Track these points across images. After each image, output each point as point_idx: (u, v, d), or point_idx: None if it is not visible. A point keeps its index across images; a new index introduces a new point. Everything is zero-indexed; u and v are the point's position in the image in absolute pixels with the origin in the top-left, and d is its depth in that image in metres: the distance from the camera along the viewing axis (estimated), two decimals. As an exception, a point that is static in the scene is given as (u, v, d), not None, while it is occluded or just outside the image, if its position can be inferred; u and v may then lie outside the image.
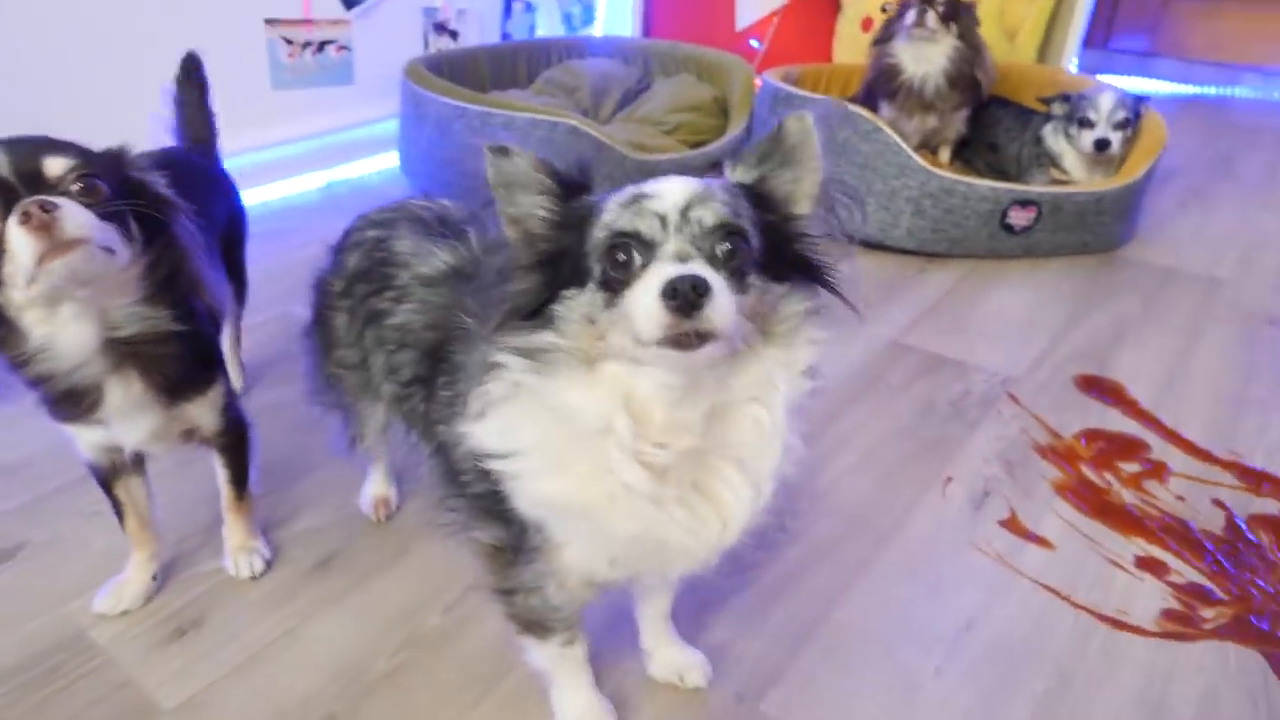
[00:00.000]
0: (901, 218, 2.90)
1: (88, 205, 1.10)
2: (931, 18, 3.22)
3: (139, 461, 1.44)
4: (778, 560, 1.64)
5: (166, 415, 1.32)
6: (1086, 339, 2.46)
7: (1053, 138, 3.21)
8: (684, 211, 0.91)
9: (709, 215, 0.91)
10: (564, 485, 1.02)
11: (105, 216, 1.12)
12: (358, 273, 1.39)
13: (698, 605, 1.53)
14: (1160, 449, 1.98)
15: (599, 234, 0.93)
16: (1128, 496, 1.82)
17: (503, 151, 0.97)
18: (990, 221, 2.87)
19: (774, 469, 1.03)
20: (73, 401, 1.24)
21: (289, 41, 3.25)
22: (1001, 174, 3.37)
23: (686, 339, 0.87)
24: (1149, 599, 1.57)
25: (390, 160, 3.57)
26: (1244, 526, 1.73)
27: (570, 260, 0.96)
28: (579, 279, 0.95)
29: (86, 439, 1.34)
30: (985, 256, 2.94)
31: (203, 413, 1.39)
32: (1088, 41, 4.42)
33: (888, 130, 2.88)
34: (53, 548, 1.64)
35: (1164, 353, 2.39)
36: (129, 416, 1.28)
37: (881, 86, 3.45)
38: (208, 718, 1.32)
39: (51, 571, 1.58)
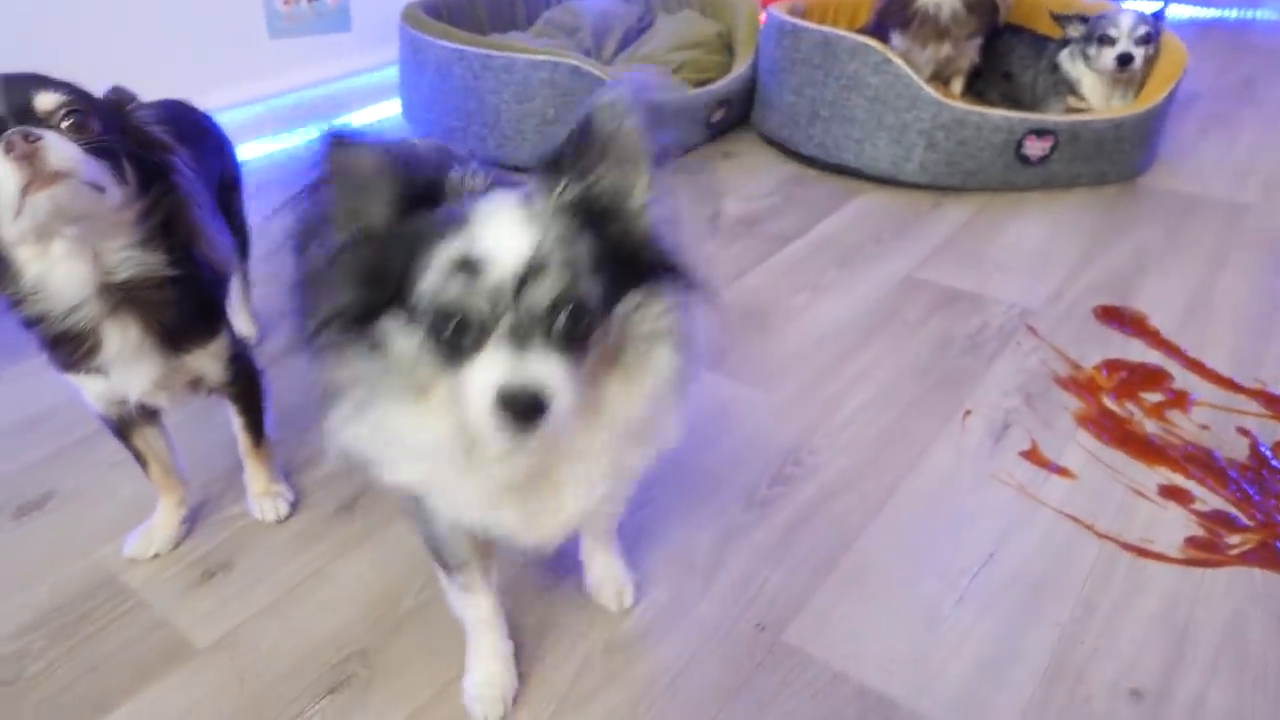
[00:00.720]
0: (914, 152, 2.86)
1: (78, 142, 1.09)
2: None
3: (151, 414, 1.43)
4: (796, 495, 1.65)
5: (168, 365, 1.31)
6: (1106, 270, 2.42)
7: (1070, 62, 3.14)
8: (517, 290, 0.82)
9: (546, 292, 0.83)
10: (417, 473, 1.01)
11: (97, 154, 1.11)
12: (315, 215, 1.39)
13: (716, 538, 1.54)
14: (1183, 378, 1.96)
15: (425, 296, 0.84)
16: (1150, 426, 1.81)
17: (343, 143, 0.86)
18: (1005, 153, 2.82)
19: (606, 473, 1.02)
20: (70, 347, 1.24)
21: (287, -13, 3.19)
22: (1016, 104, 3.30)
23: (514, 431, 0.83)
24: (1173, 527, 1.57)
25: (392, 108, 3.52)
26: (1269, 453, 1.72)
27: (396, 285, 0.87)
28: (408, 312, 0.87)
29: (91, 390, 1.34)
30: (1001, 189, 2.90)
31: (207, 363, 1.38)
32: (1104, -34, 4.29)
33: (898, 62, 2.82)
34: (80, 496, 1.65)
35: (1186, 282, 2.36)
36: (128, 365, 1.27)
37: (894, 15, 3.36)
38: (242, 654, 1.35)
39: (80, 519, 1.60)
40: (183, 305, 1.29)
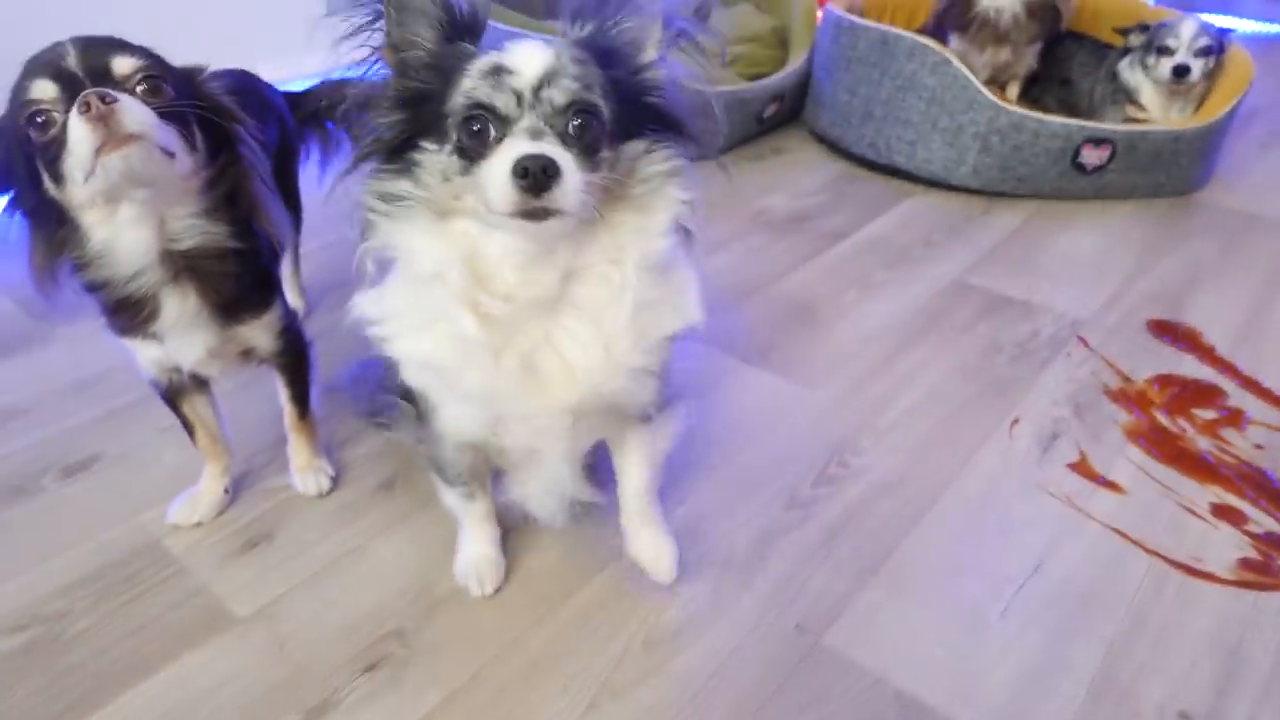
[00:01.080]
0: (968, 155, 2.81)
1: (152, 106, 1.10)
2: None
3: (201, 382, 1.45)
4: (839, 496, 1.62)
5: (222, 334, 1.33)
6: (1160, 283, 2.37)
7: (1129, 71, 3.07)
8: (537, 90, 0.95)
9: (560, 95, 0.95)
10: (423, 343, 1.09)
11: (169, 120, 1.12)
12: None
13: (758, 536, 1.53)
14: (1237, 396, 1.92)
15: (459, 99, 0.96)
16: (1203, 443, 1.77)
17: None
18: (1061, 160, 2.77)
19: (623, 324, 1.06)
20: (130, 312, 1.25)
21: (344, -36, 3.19)
22: (1073, 111, 3.24)
23: (535, 213, 0.93)
24: (1225, 547, 1.53)
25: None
26: (1325, 477, 1.68)
27: (433, 108, 0.98)
28: (438, 134, 0.99)
29: (146, 355, 1.35)
30: (1053, 197, 2.85)
31: (259, 334, 1.39)
32: (1167, -25, 4.20)
33: (957, 63, 2.78)
34: (126, 460, 1.67)
35: (1241, 300, 2.31)
36: (184, 332, 1.29)
37: (953, 18, 3.31)
38: (281, 626, 1.35)
39: (125, 483, 1.62)
40: (240, 276, 1.29)
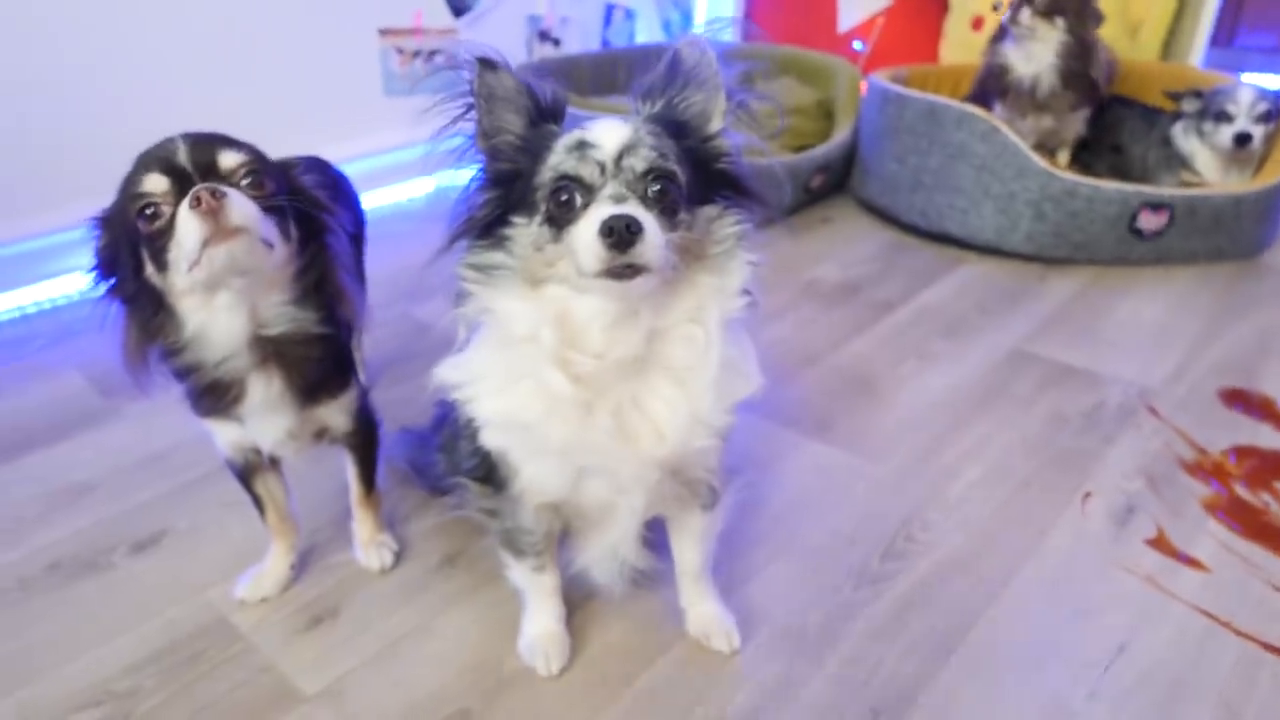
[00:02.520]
0: (1020, 221, 2.80)
1: (254, 199, 1.14)
2: (1026, 14, 3.08)
3: (274, 460, 1.47)
4: (909, 571, 1.59)
5: (301, 416, 1.35)
6: (1229, 350, 2.32)
7: (1183, 137, 3.06)
8: (618, 159, 1.02)
9: (640, 162, 1.02)
10: (509, 402, 1.13)
11: (269, 213, 1.16)
12: None
13: (828, 614, 1.49)
14: (1319, 468, 1.85)
15: (547, 174, 1.03)
16: (1286, 517, 1.71)
17: (490, 65, 1.06)
18: (1117, 226, 2.75)
19: (709, 382, 1.11)
20: (216, 395, 1.28)
21: (400, 51, 3.32)
22: (1125, 176, 3.21)
23: (621, 271, 0.99)
24: (1318, 628, 1.46)
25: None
26: None
27: (522, 186, 1.06)
28: (528, 208, 1.06)
29: (226, 436, 1.37)
30: (1111, 263, 2.82)
31: (336, 414, 1.42)
32: (1213, 38, 4.21)
33: (1006, 130, 2.79)
34: (193, 535, 1.69)
35: (1315, 366, 2.25)
36: (267, 415, 1.31)
37: (992, 85, 3.33)
38: (348, 705, 1.34)
39: (192, 558, 1.63)
40: (322, 360, 1.32)
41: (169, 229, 1.11)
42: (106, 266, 1.20)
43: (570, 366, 1.07)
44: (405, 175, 3.36)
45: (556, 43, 3.82)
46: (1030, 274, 2.78)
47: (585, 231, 0.99)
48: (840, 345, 2.39)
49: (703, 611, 1.45)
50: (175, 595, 1.55)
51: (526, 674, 1.39)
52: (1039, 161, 2.75)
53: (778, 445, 1.97)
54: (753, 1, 4.44)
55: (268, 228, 1.15)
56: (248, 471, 1.45)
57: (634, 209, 0.99)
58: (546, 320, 1.07)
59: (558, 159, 1.04)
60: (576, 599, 1.48)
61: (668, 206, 1.04)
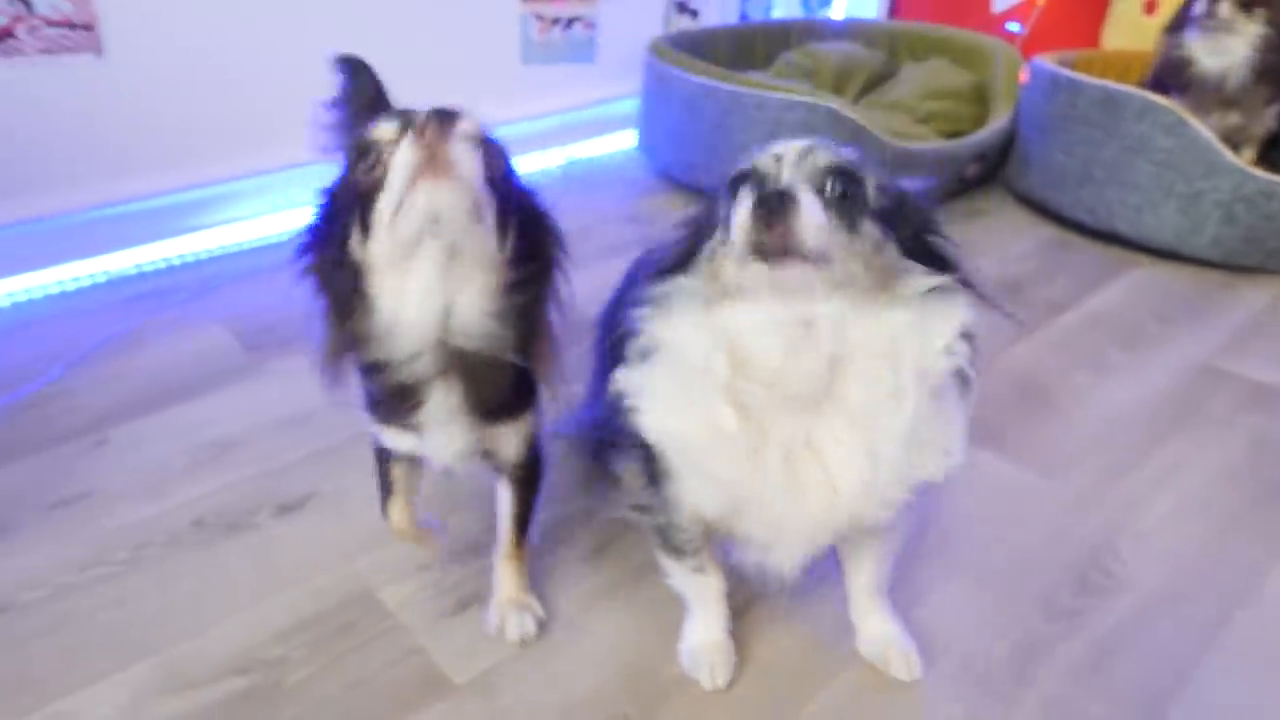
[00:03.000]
0: (1206, 224, 2.57)
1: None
2: (1225, 7, 2.81)
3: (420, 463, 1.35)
4: (1107, 610, 1.43)
5: (477, 434, 1.22)
6: None
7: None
8: (803, 154, 0.98)
9: (823, 157, 0.97)
10: (676, 424, 1.08)
11: (488, 189, 1.02)
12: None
13: (1016, 651, 1.35)
14: None
15: (731, 183, 1.00)
16: None
17: None
18: (1321, 234, 2.49)
19: (899, 438, 0.99)
20: (398, 399, 1.16)
21: (540, 18, 3.24)
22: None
23: (770, 250, 0.91)
24: None
25: (627, 139, 3.52)
26: None
27: (716, 223, 1.02)
28: (719, 231, 1.01)
29: (396, 443, 1.26)
30: (1310, 273, 2.56)
31: (510, 437, 1.27)
32: None
33: (1196, 124, 2.56)
34: (339, 500, 1.64)
35: None
36: (443, 428, 1.18)
37: (1171, 78, 3.07)
38: (499, 699, 1.27)
39: (338, 525, 1.59)
40: (507, 382, 1.19)
41: (383, 176, 0.98)
42: (315, 239, 1.09)
43: (739, 396, 0.99)
44: (536, 145, 3.29)
45: (694, 14, 3.69)
46: (1213, 282, 2.55)
47: (740, 212, 0.93)
48: (1006, 348, 2.22)
49: (878, 631, 1.33)
50: (322, 563, 1.50)
51: (687, 683, 1.30)
52: (1232, 159, 2.51)
53: (941, 452, 1.83)
54: (903, -23, 4.22)
55: (484, 192, 1.01)
56: (396, 457, 1.33)
57: (799, 191, 0.93)
58: (719, 346, 0.99)
59: (742, 163, 1.02)
60: (737, 604, 1.37)
61: (848, 209, 0.95)
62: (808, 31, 3.81)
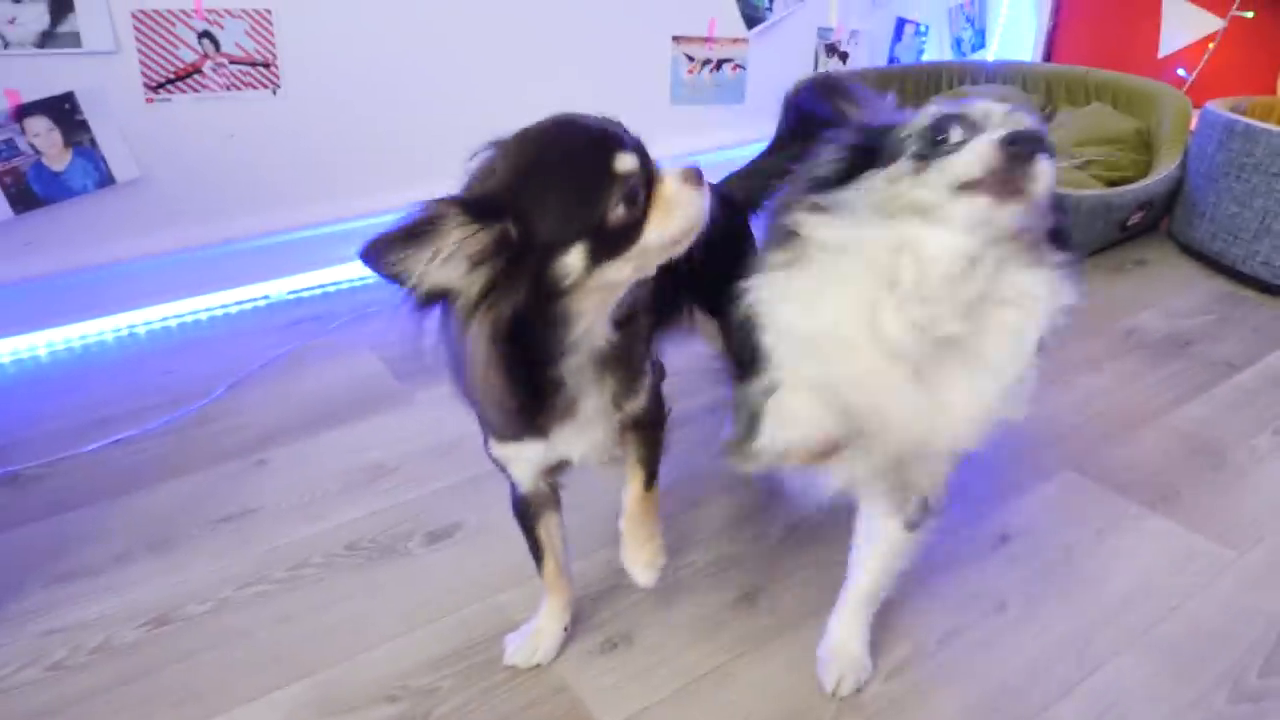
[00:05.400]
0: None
1: None
2: None
3: (556, 497, 1.34)
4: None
5: (614, 420, 1.20)
6: None
7: None
8: (1009, 114, 0.99)
9: (1028, 120, 0.99)
10: (812, 323, 1.06)
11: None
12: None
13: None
14: None
15: (919, 121, 1.01)
16: None
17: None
18: None
19: (1013, 376, 1.04)
20: (550, 407, 1.12)
21: (690, 58, 3.26)
22: None
23: (1006, 188, 0.92)
24: None
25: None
26: None
27: (884, 142, 1.04)
28: (883, 163, 1.02)
29: (528, 459, 1.22)
30: None
31: (635, 408, 1.24)
32: None
33: (1396, 175, 2.35)
34: (485, 532, 1.65)
35: None
36: (586, 426, 1.17)
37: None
38: (650, 749, 1.23)
39: (484, 557, 1.59)
40: (640, 358, 1.20)
41: (641, 216, 1.00)
42: (492, 277, 0.97)
43: (911, 313, 1.00)
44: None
45: (844, 57, 3.66)
46: None
47: (982, 142, 0.94)
48: (1175, 407, 2.07)
49: (841, 641, 1.34)
50: (469, 594, 1.50)
51: (845, 746, 1.23)
52: None
53: (1110, 512, 1.71)
54: (1059, 19, 4.08)
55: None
56: (534, 512, 1.32)
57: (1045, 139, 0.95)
58: (903, 256, 1.00)
59: (934, 108, 1.02)
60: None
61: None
62: (961, 74, 3.72)
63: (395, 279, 0.94)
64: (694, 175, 1.04)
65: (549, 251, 0.97)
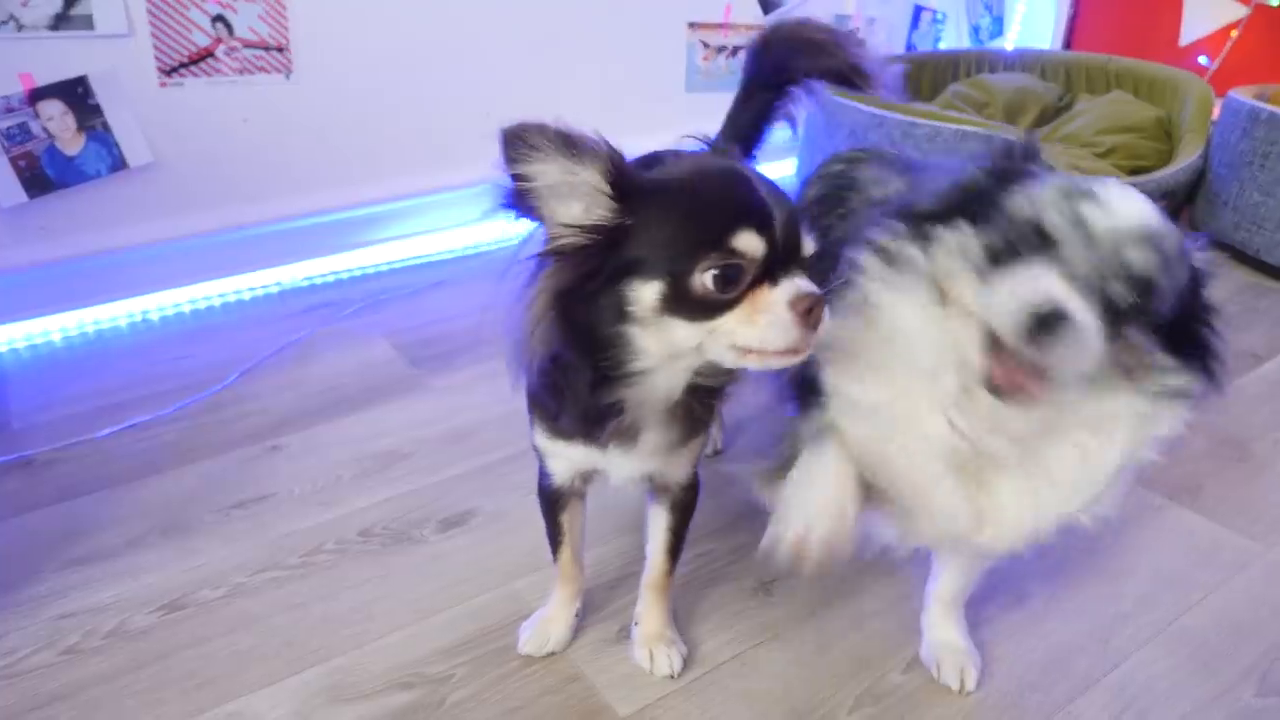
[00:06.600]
0: None
1: None
2: None
3: (584, 490, 1.30)
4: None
5: (663, 456, 1.15)
6: None
7: None
8: (1114, 233, 0.85)
9: (1138, 260, 0.85)
10: (866, 390, 1.02)
11: None
12: (815, 199, 1.41)
13: (1242, 733, 1.21)
14: None
15: (1019, 203, 0.90)
16: None
17: None
18: None
19: (1084, 499, 0.98)
20: (608, 431, 1.07)
21: (706, 45, 3.23)
22: None
23: (1014, 381, 0.88)
24: None
25: (785, 168, 3.47)
26: None
27: (978, 206, 0.94)
28: (974, 220, 0.93)
29: (570, 459, 1.19)
30: None
31: (685, 458, 1.20)
32: None
33: None
34: (499, 519, 1.64)
35: None
36: (643, 455, 1.12)
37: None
38: (665, 739, 1.22)
39: (499, 544, 1.58)
40: (703, 408, 1.12)
41: (734, 301, 0.90)
42: (581, 247, 0.92)
43: (954, 419, 0.96)
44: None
45: (861, 44, 3.62)
46: None
47: (1003, 294, 0.86)
48: (1199, 398, 2.04)
49: (943, 639, 1.32)
50: (484, 581, 1.49)
51: (864, 738, 1.22)
52: None
53: (1134, 506, 1.68)
54: (1079, 7, 4.03)
55: None
56: (560, 501, 1.29)
57: (1075, 303, 0.84)
58: (949, 361, 0.94)
59: (1041, 194, 0.90)
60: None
61: (1124, 318, 0.87)
62: (979, 62, 3.68)
63: (515, 162, 0.88)
64: (805, 302, 0.89)
65: (631, 269, 0.91)
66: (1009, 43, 4.09)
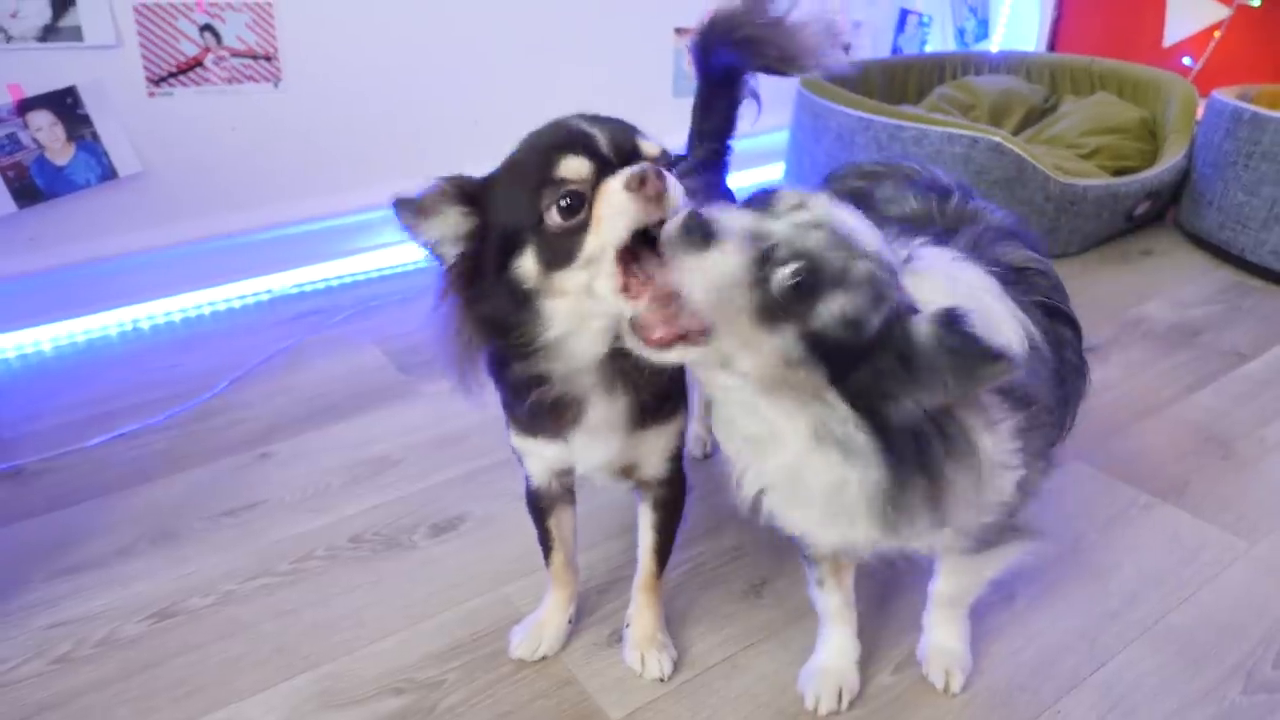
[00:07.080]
0: None
1: None
2: None
3: (571, 494, 1.32)
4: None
5: (628, 441, 1.16)
6: None
7: None
8: (810, 221, 0.87)
9: (814, 246, 0.86)
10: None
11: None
12: None
13: (1226, 728, 1.22)
14: None
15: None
16: None
17: None
18: None
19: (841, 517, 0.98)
20: (553, 413, 1.11)
21: (692, 49, 3.25)
22: None
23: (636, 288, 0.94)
24: None
25: (773, 172, 3.48)
26: None
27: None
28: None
29: (544, 456, 1.21)
30: None
31: (656, 446, 1.20)
32: None
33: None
34: (490, 524, 1.64)
35: None
36: (598, 437, 1.13)
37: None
38: (656, 742, 1.22)
39: (489, 549, 1.58)
40: (665, 380, 1.13)
41: (586, 220, 0.94)
42: (462, 259, 1.02)
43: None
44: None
45: (846, 48, 3.63)
46: None
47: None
48: (1183, 397, 2.06)
49: (939, 641, 1.33)
50: (474, 586, 1.49)
51: (853, 737, 1.22)
52: None
53: (1120, 502, 1.70)
54: (1063, 9, 4.05)
55: None
56: (547, 505, 1.31)
57: (722, 234, 0.88)
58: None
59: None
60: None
61: (783, 305, 0.87)
62: (964, 65, 3.70)
63: (413, 236, 1.02)
64: (636, 179, 0.92)
65: (505, 249, 0.98)
66: (994, 45, 4.12)
